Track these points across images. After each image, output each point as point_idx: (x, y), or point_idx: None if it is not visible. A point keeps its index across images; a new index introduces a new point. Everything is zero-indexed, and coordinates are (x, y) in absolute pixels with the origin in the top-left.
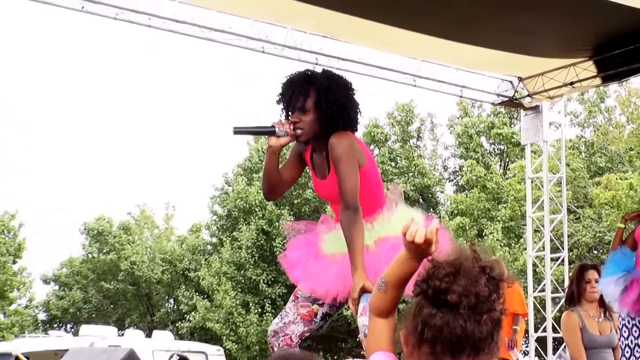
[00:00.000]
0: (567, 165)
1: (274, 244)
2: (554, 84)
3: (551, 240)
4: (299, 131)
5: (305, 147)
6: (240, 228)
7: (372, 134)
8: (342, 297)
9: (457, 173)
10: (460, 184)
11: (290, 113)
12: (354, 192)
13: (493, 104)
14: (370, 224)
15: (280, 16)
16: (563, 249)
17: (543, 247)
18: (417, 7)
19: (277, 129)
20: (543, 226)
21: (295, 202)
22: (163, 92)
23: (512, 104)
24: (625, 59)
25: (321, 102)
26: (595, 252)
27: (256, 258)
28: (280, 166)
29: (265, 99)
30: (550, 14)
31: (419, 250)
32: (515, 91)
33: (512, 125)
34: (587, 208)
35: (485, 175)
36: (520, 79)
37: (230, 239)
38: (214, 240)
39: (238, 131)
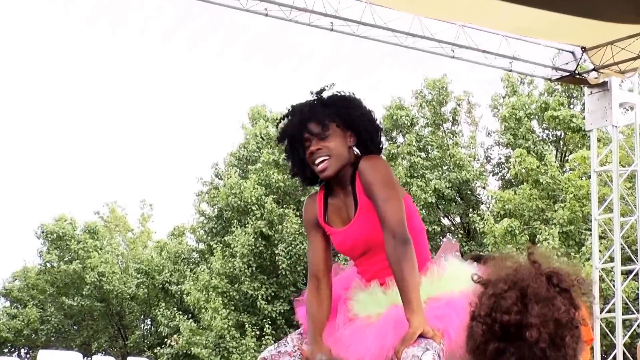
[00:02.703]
0: None
1: (276, 252)
2: (626, 55)
3: (622, 249)
4: (322, 165)
5: (314, 205)
6: (234, 231)
7: (395, 117)
8: None
9: (503, 165)
10: (507, 178)
11: (299, 149)
12: (401, 218)
13: (550, 79)
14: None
15: None
16: (637, 259)
17: (612, 258)
18: None
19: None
20: (612, 231)
21: (303, 199)
22: (137, 68)
23: (574, 80)
24: None
25: (345, 119)
26: None
27: (253, 269)
28: (310, 252)
29: (269, 72)
30: None
31: None
32: (578, 64)
33: (572, 107)
34: None
35: (538, 167)
36: (584, 49)
37: (221, 245)
38: (201, 246)
39: None
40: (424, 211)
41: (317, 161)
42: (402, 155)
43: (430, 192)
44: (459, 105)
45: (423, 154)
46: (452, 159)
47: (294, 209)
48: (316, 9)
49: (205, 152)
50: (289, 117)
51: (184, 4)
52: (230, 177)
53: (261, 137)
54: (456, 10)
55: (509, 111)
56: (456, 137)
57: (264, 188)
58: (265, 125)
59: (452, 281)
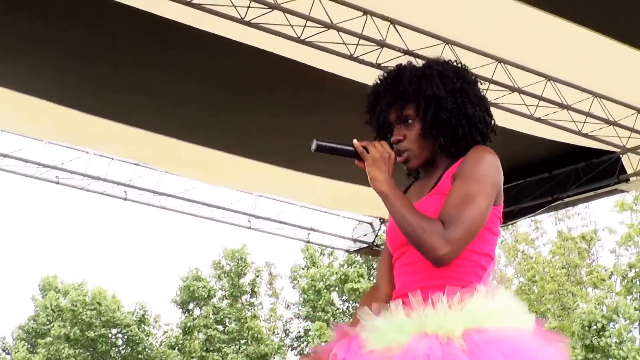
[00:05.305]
0: None
1: None
2: None
3: None
4: (404, 154)
5: None
6: None
7: (192, 288)
8: None
9: (302, 339)
10: (306, 352)
11: (386, 133)
12: (477, 219)
13: (348, 251)
14: (461, 301)
15: (81, 138)
16: None
17: None
18: (247, 129)
19: None
20: None
21: None
22: None
23: (373, 251)
24: (512, 197)
25: (432, 102)
26: None
27: None
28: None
29: (61, 242)
30: None
31: None
32: (377, 235)
33: (371, 278)
34: None
35: None
36: (383, 221)
37: None
38: None
39: (320, 147)
40: None
41: (400, 153)
42: (198, 328)
43: None
44: (257, 276)
45: (220, 327)
46: (250, 332)
47: None
48: (109, 178)
49: None
50: (369, 97)
51: None
52: (18, 351)
53: (52, 309)
54: (255, 181)
55: (309, 283)
56: (255, 309)
57: None
58: (57, 297)
59: (499, 317)
